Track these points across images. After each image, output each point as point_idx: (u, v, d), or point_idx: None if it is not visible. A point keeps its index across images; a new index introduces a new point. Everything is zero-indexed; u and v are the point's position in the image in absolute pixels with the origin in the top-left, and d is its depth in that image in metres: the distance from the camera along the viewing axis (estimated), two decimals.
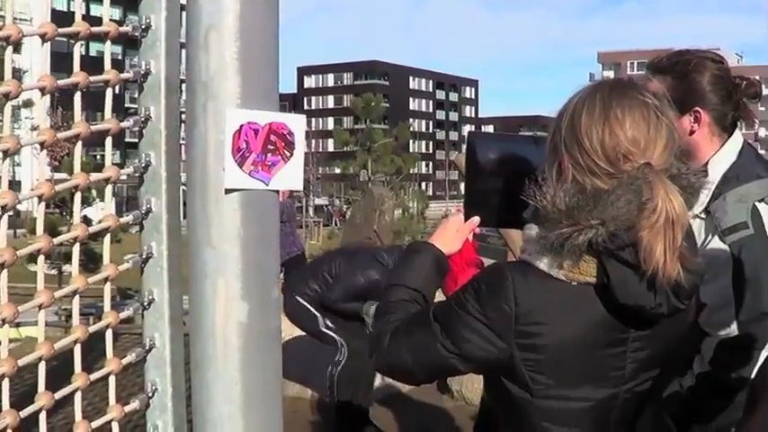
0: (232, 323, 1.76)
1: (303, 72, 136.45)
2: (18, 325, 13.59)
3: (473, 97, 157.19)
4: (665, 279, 1.89)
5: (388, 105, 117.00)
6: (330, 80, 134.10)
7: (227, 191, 1.74)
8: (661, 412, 2.53)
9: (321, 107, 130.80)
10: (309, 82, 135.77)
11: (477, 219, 2.26)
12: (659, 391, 2.19)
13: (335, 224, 45.54)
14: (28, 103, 18.30)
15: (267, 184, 1.78)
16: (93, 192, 11.10)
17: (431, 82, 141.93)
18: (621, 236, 1.90)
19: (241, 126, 1.73)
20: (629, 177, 1.92)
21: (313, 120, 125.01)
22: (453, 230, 2.27)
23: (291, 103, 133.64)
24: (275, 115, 1.77)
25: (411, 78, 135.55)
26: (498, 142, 2.25)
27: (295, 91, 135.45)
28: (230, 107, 1.73)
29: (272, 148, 1.77)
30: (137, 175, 1.84)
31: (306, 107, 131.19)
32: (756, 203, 2.80)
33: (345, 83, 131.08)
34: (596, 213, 1.89)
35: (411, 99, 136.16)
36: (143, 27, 1.82)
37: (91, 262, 10.58)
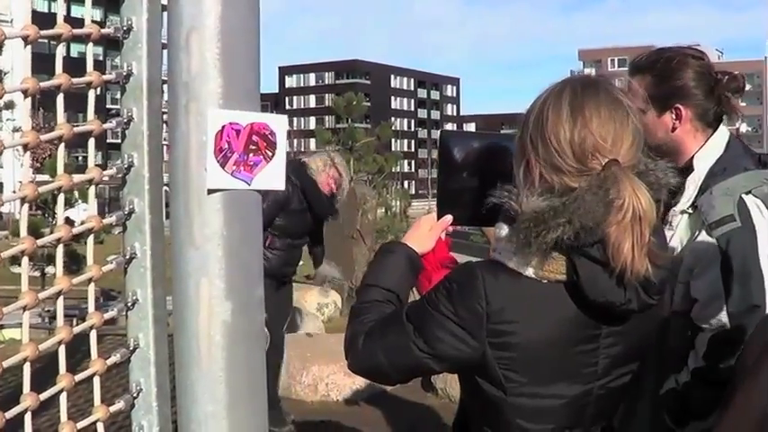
0: (216, 323, 1.77)
1: (284, 72, 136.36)
2: (1, 327, 13.56)
3: (455, 95, 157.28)
4: (633, 275, 1.90)
5: (369, 104, 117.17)
6: (312, 79, 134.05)
7: (210, 191, 1.75)
8: (660, 410, 2.55)
9: (303, 107, 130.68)
10: (291, 81, 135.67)
11: (449, 217, 2.26)
12: (635, 387, 2.21)
13: None
14: (9, 105, 18.26)
15: (249, 184, 1.78)
16: (76, 193, 11.07)
17: (412, 80, 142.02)
18: (589, 233, 1.90)
19: (223, 126, 1.74)
20: (597, 175, 1.93)
21: (295, 119, 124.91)
22: (426, 229, 2.27)
23: (273, 102, 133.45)
24: (257, 115, 1.78)
25: (392, 77, 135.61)
26: (471, 140, 2.24)
27: (277, 91, 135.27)
28: (212, 108, 1.73)
29: (253, 148, 1.78)
30: (119, 176, 1.84)
31: (287, 107, 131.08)
32: (743, 196, 2.79)
33: (327, 82, 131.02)
34: (564, 212, 1.90)
35: (393, 98, 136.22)
36: (124, 29, 1.82)
37: (74, 263, 10.55)
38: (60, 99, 1.69)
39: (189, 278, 1.78)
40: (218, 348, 1.77)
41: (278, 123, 1.81)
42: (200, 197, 1.75)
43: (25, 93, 1.58)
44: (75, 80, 1.70)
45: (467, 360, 2.01)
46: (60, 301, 1.72)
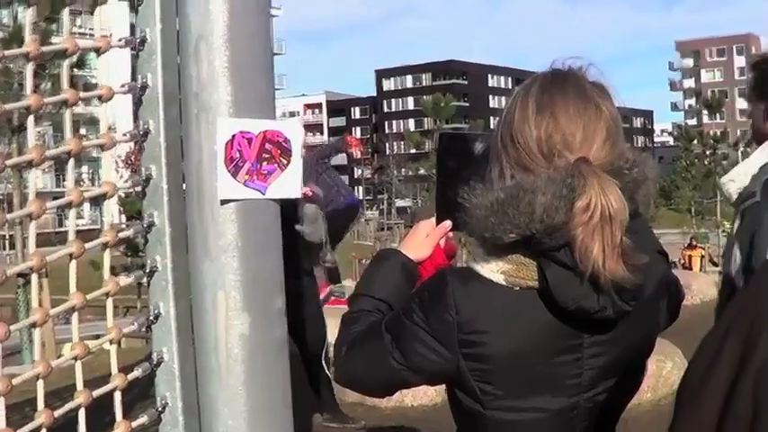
0: (233, 335, 1.74)
1: (381, 75, 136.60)
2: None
3: None
4: (607, 279, 1.77)
5: (467, 104, 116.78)
6: (409, 82, 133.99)
7: (223, 201, 1.72)
8: None
9: (401, 109, 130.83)
10: (388, 84, 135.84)
11: (448, 223, 2.15)
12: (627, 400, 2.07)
13: None
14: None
15: (264, 194, 1.75)
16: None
17: (509, 79, 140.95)
18: (554, 235, 1.79)
19: (233, 135, 1.71)
20: (557, 171, 1.82)
21: (394, 122, 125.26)
22: (423, 236, 2.17)
23: (371, 106, 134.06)
24: (269, 123, 1.75)
25: (489, 76, 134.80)
26: (472, 141, 2.14)
27: (375, 94, 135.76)
28: (222, 117, 1.71)
29: (267, 156, 1.75)
30: (138, 189, 1.83)
31: (386, 109, 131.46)
32: None
33: (424, 84, 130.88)
34: (522, 208, 1.79)
35: (491, 97, 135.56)
36: (138, 41, 1.81)
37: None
38: (68, 114, 1.68)
39: (205, 291, 1.76)
40: (237, 362, 1.75)
41: (292, 130, 1.78)
42: (213, 208, 1.73)
43: (28, 110, 1.57)
44: (83, 94, 1.69)
45: (442, 372, 1.92)
46: (75, 318, 1.71)
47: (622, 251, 1.78)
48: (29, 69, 1.58)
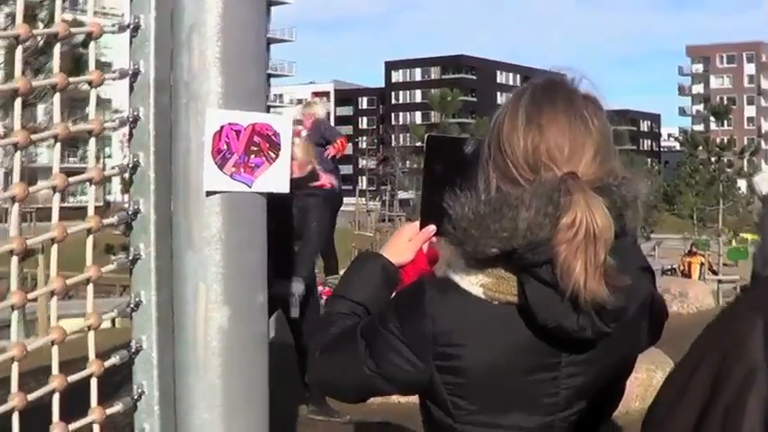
0: (212, 328, 1.73)
1: (391, 67, 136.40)
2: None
3: None
4: (587, 300, 1.73)
5: (475, 100, 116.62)
6: (417, 74, 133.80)
7: (208, 193, 1.71)
8: None
9: (409, 101, 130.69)
10: (397, 76, 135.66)
11: (432, 228, 2.09)
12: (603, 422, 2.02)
13: None
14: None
15: (250, 186, 1.74)
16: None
17: (518, 76, 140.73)
18: (536, 251, 1.75)
19: (222, 127, 1.70)
20: (543, 185, 1.77)
21: (400, 114, 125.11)
22: (405, 240, 2.12)
23: (379, 97, 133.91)
24: (258, 116, 1.74)
25: (498, 72, 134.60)
26: (459, 147, 2.10)
27: (383, 85, 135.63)
28: (211, 107, 1.70)
29: (255, 149, 1.74)
30: (125, 175, 1.82)
31: (393, 101, 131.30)
32: None
33: (433, 77, 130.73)
34: (504, 223, 1.75)
35: (498, 93, 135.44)
36: (132, 26, 1.79)
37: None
38: (57, 98, 1.67)
39: (187, 282, 1.75)
40: (215, 355, 1.74)
41: (281, 124, 1.77)
42: (198, 199, 1.72)
43: (16, 92, 1.56)
44: (73, 79, 1.68)
45: (415, 382, 1.89)
46: (54, 302, 1.70)
47: (605, 271, 1.74)
48: (18, 53, 1.57)
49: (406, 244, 2.12)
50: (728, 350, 1.32)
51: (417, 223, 2.11)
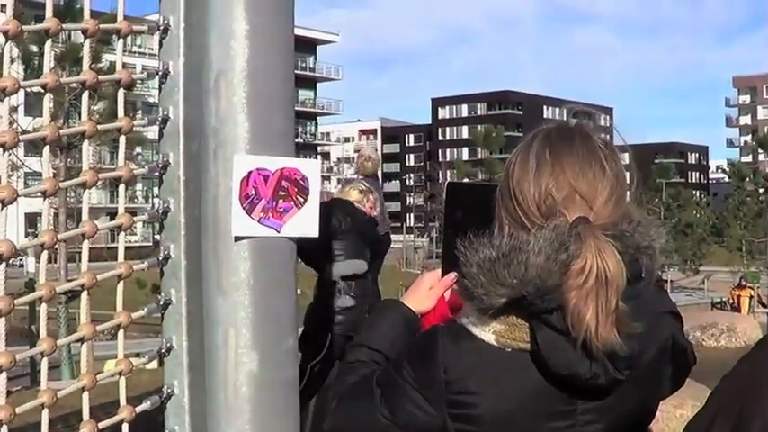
0: (242, 373, 1.72)
1: (437, 103, 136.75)
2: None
3: (607, 125, 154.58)
4: (599, 346, 1.71)
5: (522, 135, 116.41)
6: (464, 111, 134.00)
7: (237, 238, 1.71)
8: None
9: (455, 138, 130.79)
10: (444, 113, 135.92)
11: (453, 275, 2.05)
12: None
13: None
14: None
15: (279, 231, 1.74)
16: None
17: (564, 110, 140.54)
18: (546, 297, 1.72)
19: (249, 172, 1.70)
20: (554, 231, 1.75)
21: (447, 150, 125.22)
22: (427, 287, 2.11)
23: (426, 134, 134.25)
24: (286, 161, 1.74)
25: (545, 107, 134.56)
26: (480, 192, 2.07)
27: (429, 122, 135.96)
28: (238, 153, 1.70)
29: (283, 194, 1.74)
30: (156, 221, 1.83)
31: (440, 138, 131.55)
32: None
33: (479, 113, 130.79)
34: (513, 270, 1.74)
35: None
36: (161, 73, 1.81)
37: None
38: (85, 145, 1.68)
39: (217, 327, 1.74)
40: (244, 400, 1.73)
41: (310, 168, 1.76)
42: (227, 244, 1.72)
43: (43, 141, 1.57)
44: (101, 127, 1.69)
45: (429, 430, 1.86)
46: (85, 348, 1.71)
47: (617, 317, 1.72)
48: (46, 100, 1.59)
49: (427, 292, 2.10)
50: (745, 404, 1.30)
51: (439, 271, 2.10)
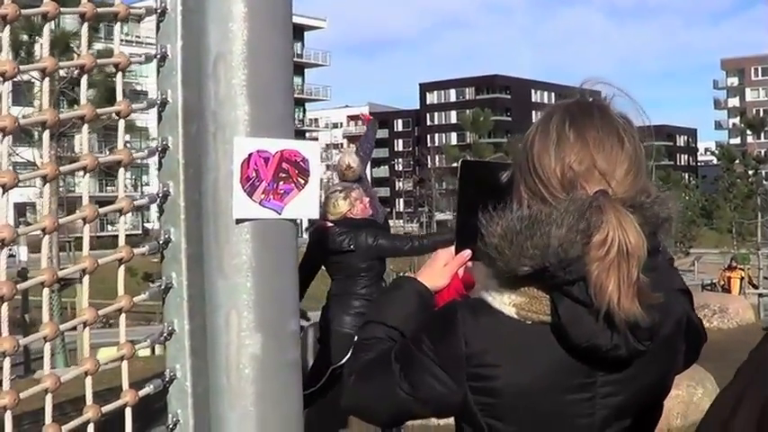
0: (245, 355, 1.73)
1: (425, 88, 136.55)
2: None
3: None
4: (621, 318, 1.71)
5: (510, 119, 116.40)
6: (452, 96, 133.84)
7: (238, 221, 1.71)
8: None
9: (444, 123, 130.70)
10: (432, 98, 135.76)
11: (468, 252, 2.08)
12: None
13: None
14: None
15: (280, 213, 1.74)
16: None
17: (552, 94, 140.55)
18: (568, 269, 1.73)
19: (250, 154, 1.70)
20: (575, 203, 1.75)
21: (436, 135, 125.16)
22: (441, 264, 2.11)
23: (414, 119, 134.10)
24: (286, 143, 1.74)
25: (533, 91, 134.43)
26: (493, 171, 2.07)
27: (418, 107, 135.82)
28: (238, 135, 1.70)
29: (284, 176, 1.74)
30: (155, 204, 1.83)
31: (428, 123, 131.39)
32: None
33: (467, 98, 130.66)
34: (536, 241, 1.74)
35: (533, 112, 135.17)
36: (159, 56, 1.80)
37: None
38: (85, 130, 1.68)
39: (219, 309, 1.74)
40: (248, 382, 1.73)
41: (310, 150, 1.76)
42: (228, 227, 1.72)
43: (43, 125, 1.57)
44: (100, 110, 1.69)
45: (449, 404, 1.87)
46: (86, 333, 1.70)
47: (638, 289, 1.72)
48: (45, 85, 1.59)
49: (441, 269, 2.10)
50: None
51: (453, 248, 2.10)
